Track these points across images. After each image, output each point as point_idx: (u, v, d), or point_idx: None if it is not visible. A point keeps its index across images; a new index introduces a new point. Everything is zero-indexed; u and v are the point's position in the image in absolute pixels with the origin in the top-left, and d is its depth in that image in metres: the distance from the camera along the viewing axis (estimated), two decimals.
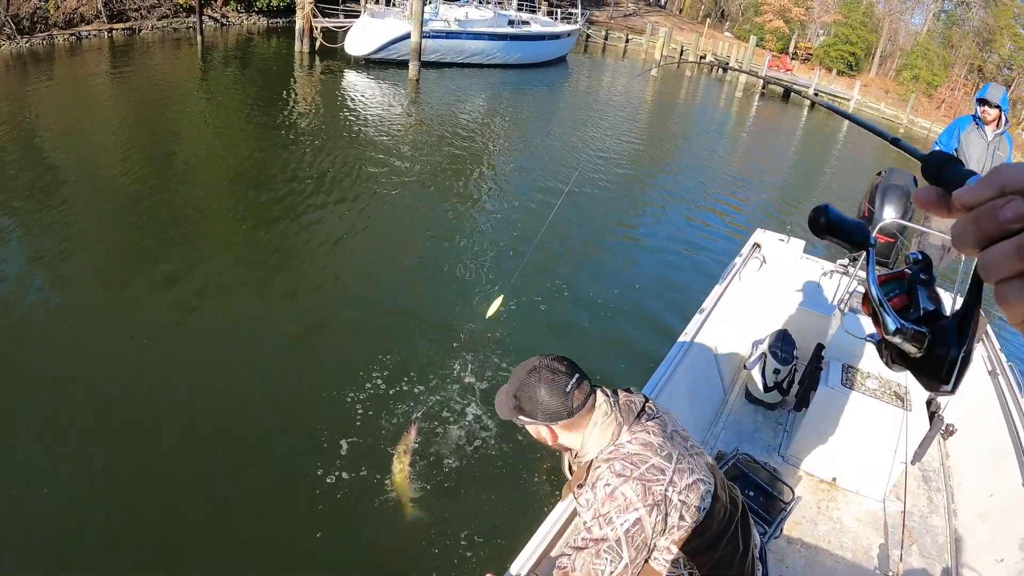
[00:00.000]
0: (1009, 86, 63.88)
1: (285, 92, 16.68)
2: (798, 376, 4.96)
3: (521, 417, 2.25)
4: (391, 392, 5.55)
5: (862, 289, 5.07)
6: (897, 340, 0.74)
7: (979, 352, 5.37)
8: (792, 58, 53.85)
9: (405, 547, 4.29)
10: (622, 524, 2.01)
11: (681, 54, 46.69)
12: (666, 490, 2.05)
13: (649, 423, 2.22)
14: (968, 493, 4.63)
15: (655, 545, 2.10)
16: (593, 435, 2.19)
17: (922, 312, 0.77)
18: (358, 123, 14.43)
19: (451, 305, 7.04)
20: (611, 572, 1.98)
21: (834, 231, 0.89)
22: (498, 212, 10.45)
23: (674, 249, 10.35)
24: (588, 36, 45.11)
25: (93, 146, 10.73)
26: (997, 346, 5.51)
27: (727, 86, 39.08)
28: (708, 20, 58.51)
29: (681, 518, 2.08)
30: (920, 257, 0.84)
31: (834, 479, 4.31)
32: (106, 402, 5.16)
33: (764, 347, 4.94)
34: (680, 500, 2.07)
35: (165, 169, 9.88)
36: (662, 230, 11.41)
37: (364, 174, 10.94)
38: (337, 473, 4.69)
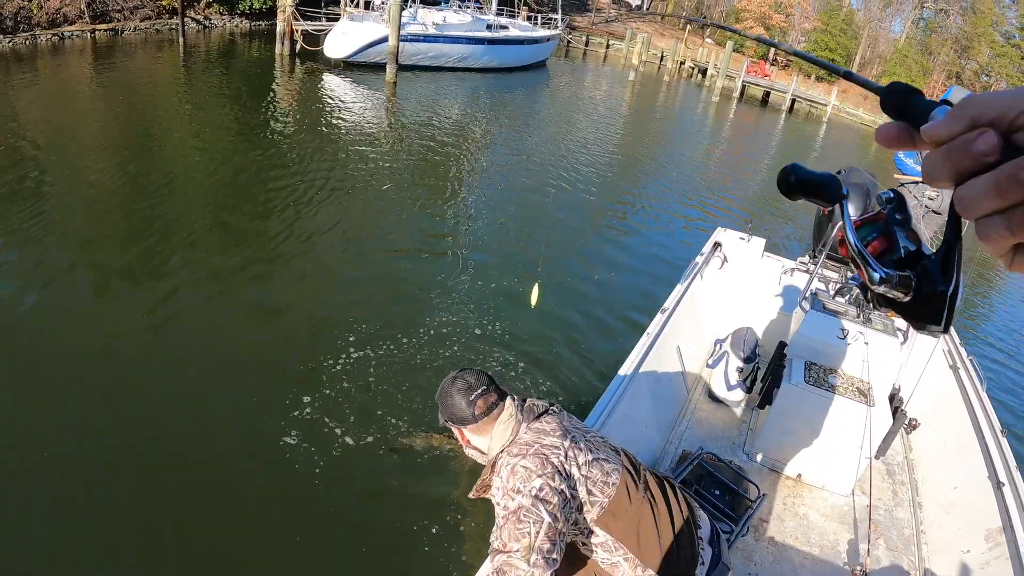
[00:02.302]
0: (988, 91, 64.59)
1: (265, 94, 16.68)
2: (760, 374, 4.97)
3: (441, 419, 2.47)
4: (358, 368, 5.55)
5: (823, 286, 5.10)
6: (883, 289, 0.71)
7: (940, 347, 5.40)
8: (772, 64, 54.19)
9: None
10: (530, 491, 2.11)
11: (661, 60, 46.96)
12: (564, 460, 2.22)
13: (545, 418, 2.41)
14: (932, 486, 4.65)
15: (576, 520, 2.20)
16: (497, 433, 2.35)
17: (903, 253, 0.75)
18: (336, 125, 14.44)
19: (420, 306, 7.02)
20: (537, 532, 2.05)
21: (805, 189, 0.86)
22: (471, 215, 10.49)
23: (640, 249, 10.44)
24: (569, 41, 45.24)
25: (73, 145, 10.65)
26: (958, 341, 5.56)
27: (705, 91, 39.27)
28: (689, 27, 58.77)
29: (590, 493, 2.21)
30: (893, 196, 0.83)
31: (799, 475, 4.32)
32: (84, 377, 5.22)
33: (726, 346, 4.94)
34: (582, 475, 2.22)
35: (145, 168, 9.83)
36: (629, 230, 11.49)
37: (340, 174, 10.93)
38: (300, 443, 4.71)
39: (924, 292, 0.68)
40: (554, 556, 2.06)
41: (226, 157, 10.95)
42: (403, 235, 8.95)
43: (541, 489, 2.12)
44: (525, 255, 8.78)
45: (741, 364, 4.82)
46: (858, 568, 3.50)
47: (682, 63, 47.11)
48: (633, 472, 2.39)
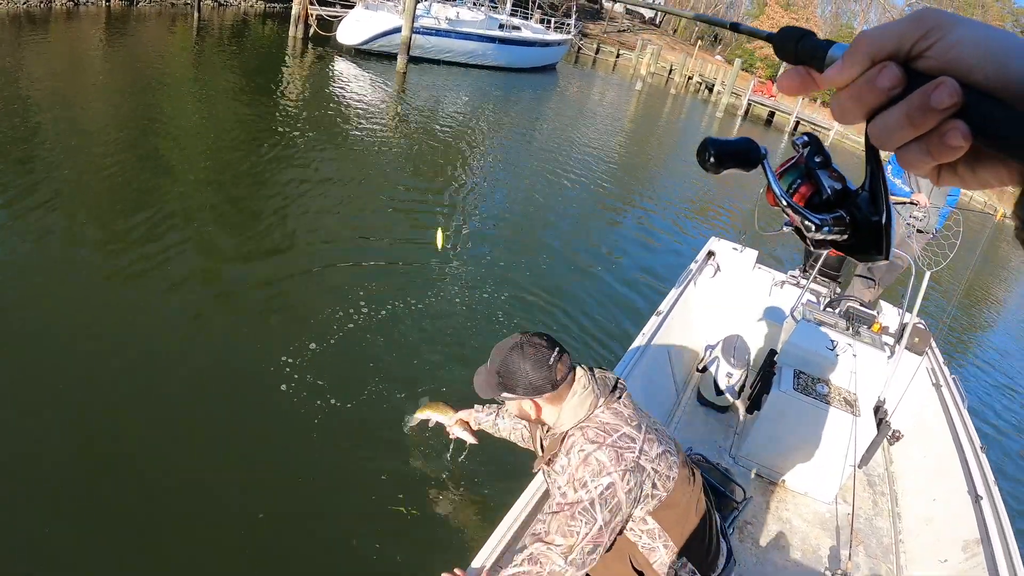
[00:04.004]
0: None
1: (275, 77, 16.68)
2: (749, 381, 5.06)
3: (504, 394, 2.31)
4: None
5: (813, 299, 5.21)
6: (821, 236, 0.73)
7: (924, 365, 5.51)
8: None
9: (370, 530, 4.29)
10: (596, 487, 2.05)
11: (669, 73, 47.10)
12: (638, 457, 2.11)
13: (623, 399, 2.33)
14: (912, 497, 4.75)
15: (630, 515, 2.15)
16: (571, 406, 2.25)
17: (830, 192, 0.76)
18: (344, 110, 14.47)
19: (417, 288, 7.04)
20: (586, 533, 2.02)
21: (725, 160, 0.87)
22: (471, 207, 10.51)
23: (635, 253, 10.52)
24: (580, 48, 45.40)
25: (78, 111, 10.61)
26: (941, 360, 5.68)
27: (710, 107, 39.44)
28: (700, 42, 59.00)
29: (654, 486, 2.14)
30: (807, 140, 0.82)
31: (784, 481, 4.41)
32: (74, 345, 5.16)
33: (717, 351, 5.03)
34: (652, 468, 2.14)
35: (151, 143, 9.79)
36: (626, 235, 11.61)
37: (345, 157, 10.98)
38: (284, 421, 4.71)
39: (860, 227, 0.70)
40: (593, 556, 2.07)
41: (233, 136, 10.94)
42: (398, 219, 8.98)
43: (608, 488, 2.06)
44: (520, 252, 8.85)
45: (731, 370, 4.91)
46: (838, 572, 3.59)
47: (690, 78, 47.28)
48: (689, 464, 2.36)
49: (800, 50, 0.60)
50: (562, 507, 2.05)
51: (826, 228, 0.72)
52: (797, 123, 41.94)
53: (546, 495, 2.88)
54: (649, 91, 36.68)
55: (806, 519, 4.28)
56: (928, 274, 4.97)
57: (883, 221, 0.68)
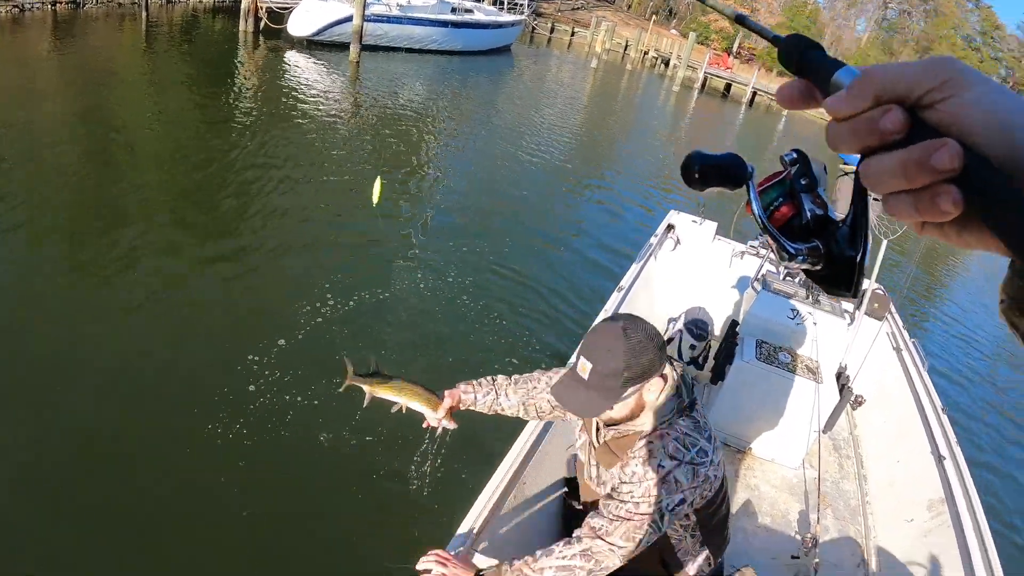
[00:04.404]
0: None
1: (228, 71, 16.44)
2: (712, 352, 5.09)
3: (629, 389, 2.04)
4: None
5: (773, 269, 5.26)
6: (795, 265, 0.72)
7: (884, 330, 5.61)
8: (735, 57, 54.69)
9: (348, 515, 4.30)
10: (668, 504, 2.02)
11: (625, 49, 47.16)
12: (708, 471, 2.07)
13: (697, 408, 2.20)
14: (876, 460, 4.84)
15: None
16: (657, 405, 2.12)
17: (810, 218, 0.75)
18: (299, 103, 14.30)
19: (370, 278, 7.02)
20: (647, 541, 2.02)
21: (711, 178, 0.84)
22: (432, 193, 10.53)
23: (596, 229, 10.64)
24: (534, 28, 45.25)
25: (30, 119, 10.39)
26: (901, 324, 5.77)
27: (667, 81, 39.57)
28: (655, 17, 59.09)
29: (708, 489, 2.13)
30: (796, 157, 0.81)
31: (751, 449, 4.45)
32: (35, 352, 5.07)
33: (680, 324, 5.06)
34: (713, 475, 2.10)
35: (103, 146, 9.59)
36: (587, 211, 11.76)
37: (302, 151, 10.82)
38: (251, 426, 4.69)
39: (834, 261, 0.69)
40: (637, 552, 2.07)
41: (187, 135, 10.76)
42: (361, 208, 8.90)
43: (680, 504, 2.03)
44: (485, 235, 8.86)
45: (694, 342, 4.95)
46: (808, 536, 3.64)
47: (646, 53, 47.41)
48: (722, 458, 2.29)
49: (805, 62, 0.57)
50: (632, 515, 2.00)
51: (800, 257, 0.72)
52: (754, 94, 42.25)
53: (525, 463, 2.91)
54: (605, 68, 36.69)
55: (774, 485, 4.34)
56: (885, 242, 5.04)
57: (858, 259, 0.67)
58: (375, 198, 4.68)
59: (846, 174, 6.26)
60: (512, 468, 2.83)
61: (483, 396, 2.43)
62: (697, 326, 4.99)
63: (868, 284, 4.94)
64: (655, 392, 2.07)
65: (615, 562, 2.01)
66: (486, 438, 4.39)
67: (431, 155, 12.81)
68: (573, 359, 2.11)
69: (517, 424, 2.89)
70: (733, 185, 0.84)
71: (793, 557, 3.63)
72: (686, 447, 2.07)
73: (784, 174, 0.81)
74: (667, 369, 2.11)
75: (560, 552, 2.02)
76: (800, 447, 4.39)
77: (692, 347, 4.94)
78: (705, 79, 41.92)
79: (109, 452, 4.38)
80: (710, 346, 5.11)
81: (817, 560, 3.37)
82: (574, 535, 2.06)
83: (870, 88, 0.48)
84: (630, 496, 2.03)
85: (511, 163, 13.40)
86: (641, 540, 2.01)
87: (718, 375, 4.55)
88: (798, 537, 3.87)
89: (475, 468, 4.39)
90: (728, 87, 43.97)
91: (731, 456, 4.44)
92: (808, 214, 0.75)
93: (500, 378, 2.51)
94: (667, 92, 35.60)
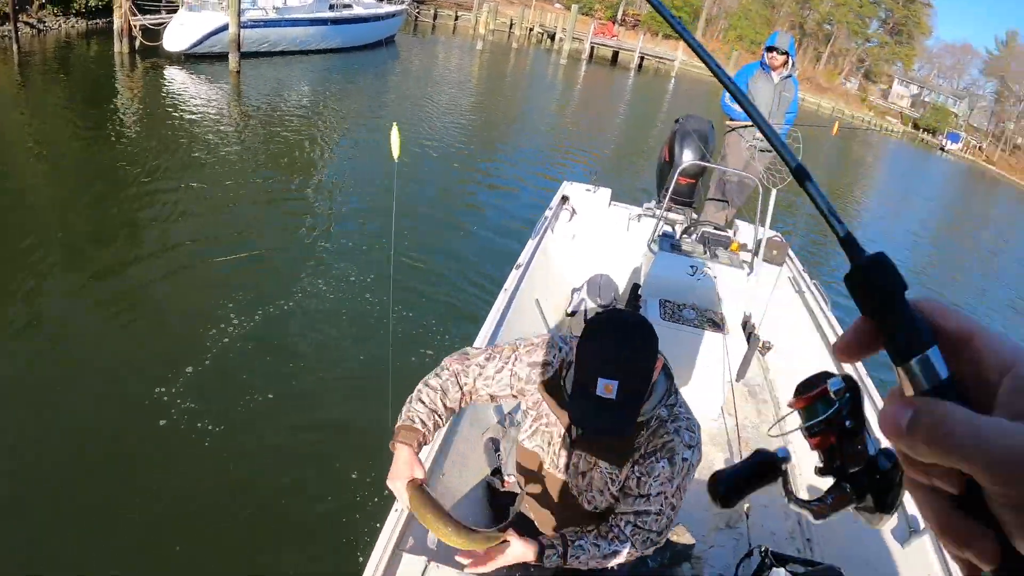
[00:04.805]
0: (830, 39, 68.44)
1: (107, 97, 15.71)
2: None
3: (647, 366, 1.91)
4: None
5: (669, 229, 5.37)
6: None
7: (785, 275, 5.80)
8: (620, 25, 55.28)
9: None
10: (685, 488, 2.06)
11: (510, 28, 47.17)
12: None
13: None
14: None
15: None
16: (658, 384, 2.05)
17: (842, 463, 0.66)
18: (182, 120, 13.82)
19: (275, 289, 6.92)
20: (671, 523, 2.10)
21: (744, 489, 0.79)
22: (327, 194, 10.43)
23: (493, 211, 10.79)
24: (417, 16, 44.80)
25: None
26: (800, 268, 5.96)
27: (554, 55, 39.82)
28: None
29: None
30: (846, 387, 0.65)
31: None
32: None
33: (583, 293, 5.11)
34: None
35: None
36: (483, 194, 11.88)
37: (190, 169, 10.42)
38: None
39: (864, 493, 0.63)
40: None
41: (70, 166, 10.27)
42: (260, 220, 8.78)
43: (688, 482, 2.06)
44: (383, 228, 8.79)
45: (599, 309, 5.03)
46: None
47: (531, 29, 47.51)
48: None
49: (885, 309, 0.44)
50: (662, 509, 2.04)
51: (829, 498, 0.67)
52: (641, 59, 42.91)
53: (441, 453, 2.91)
54: (491, 49, 36.67)
55: None
56: (774, 191, 5.21)
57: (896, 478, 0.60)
58: (395, 150, 4.24)
59: (733, 130, 6.45)
60: (428, 461, 2.81)
61: (433, 428, 2.17)
62: (600, 293, 5.05)
63: (763, 234, 5.10)
64: (657, 371, 1.99)
65: (650, 552, 2.10)
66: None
67: (326, 158, 12.62)
68: (580, 376, 1.87)
69: None
70: (772, 479, 0.78)
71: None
72: (693, 431, 2.08)
73: (834, 411, 0.65)
74: None
75: (603, 535, 2.05)
76: (716, 398, 4.49)
77: None
78: (592, 49, 42.30)
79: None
80: None
81: (748, 505, 3.48)
82: (604, 528, 2.08)
83: (952, 449, 0.37)
84: (663, 499, 2.04)
85: (406, 154, 13.26)
86: (669, 526, 2.10)
87: None
88: None
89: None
90: (615, 55, 44.53)
91: None
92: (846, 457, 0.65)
93: (430, 400, 2.18)
94: (555, 66, 35.87)
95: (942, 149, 64.61)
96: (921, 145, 64.08)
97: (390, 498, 2.52)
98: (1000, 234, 29.61)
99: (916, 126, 70.05)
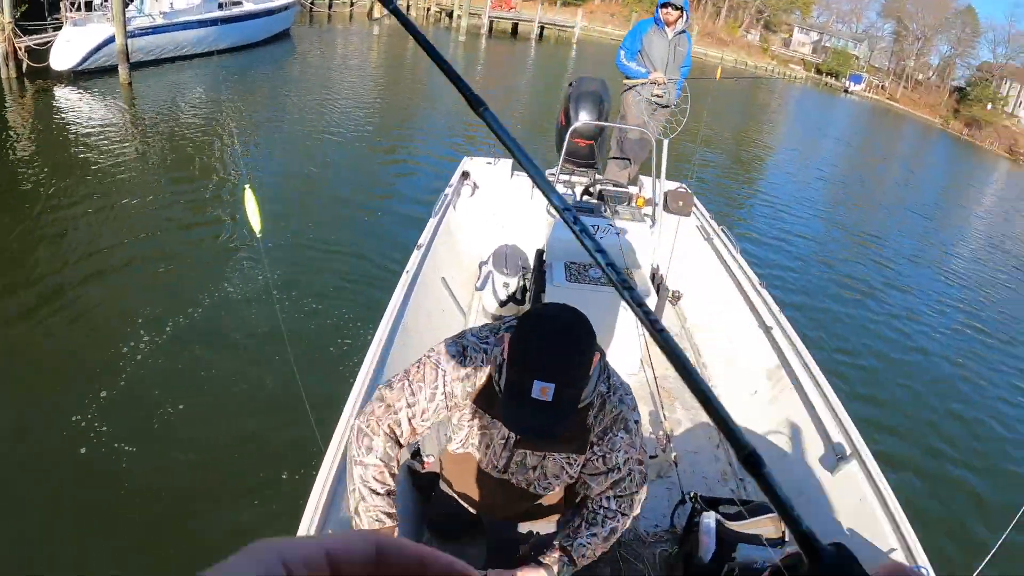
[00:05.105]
0: None
1: None
2: (528, 285, 5.16)
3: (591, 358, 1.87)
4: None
5: (569, 191, 5.38)
6: None
7: (692, 223, 5.87)
8: None
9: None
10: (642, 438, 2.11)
11: (407, 9, 46.57)
12: None
13: None
14: (712, 345, 5.08)
15: None
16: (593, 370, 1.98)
17: None
18: (77, 141, 13.25)
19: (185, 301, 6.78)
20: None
21: None
22: (233, 197, 10.11)
23: (394, 196, 10.82)
24: (312, 6, 43.88)
25: None
26: (708, 215, 6.06)
27: (453, 32, 39.56)
28: None
29: None
30: None
31: None
32: None
33: (490, 266, 5.13)
34: None
35: None
36: (383, 180, 11.80)
37: (91, 190, 10.08)
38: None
39: None
40: None
41: None
42: (164, 230, 8.57)
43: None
44: (289, 227, 8.76)
45: (507, 280, 5.03)
46: (660, 434, 3.78)
47: (428, 9, 47.03)
48: None
49: None
50: (634, 471, 2.07)
51: None
52: (542, 28, 42.88)
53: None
54: (389, 33, 36.14)
55: None
56: (666, 142, 5.26)
57: None
58: (255, 222, 3.35)
59: (630, 88, 6.47)
60: (335, 452, 2.74)
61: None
62: (507, 264, 5.06)
63: (661, 184, 5.14)
64: (594, 365, 1.91)
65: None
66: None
67: (233, 160, 12.30)
68: (514, 379, 1.76)
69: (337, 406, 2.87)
70: None
71: (651, 457, 3.76)
72: (629, 393, 2.11)
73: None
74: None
75: (594, 533, 2.07)
76: (634, 353, 4.53)
77: (506, 285, 5.01)
78: (491, 23, 42.12)
79: None
80: (525, 279, 5.16)
81: (675, 454, 3.51)
82: (591, 516, 2.11)
83: None
84: (631, 462, 2.07)
85: (312, 146, 13.20)
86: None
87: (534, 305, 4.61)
88: (653, 436, 4.01)
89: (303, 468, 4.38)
90: (515, 27, 44.40)
91: None
92: None
93: (379, 483, 2.00)
94: (455, 43, 35.67)
95: (846, 91, 66.25)
96: (826, 89, 65.60)
97: (302, 502, 2.47)
98: (906, 165, 30.64)
99: (819, 71, 71.53)
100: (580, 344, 1.78)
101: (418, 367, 2.06)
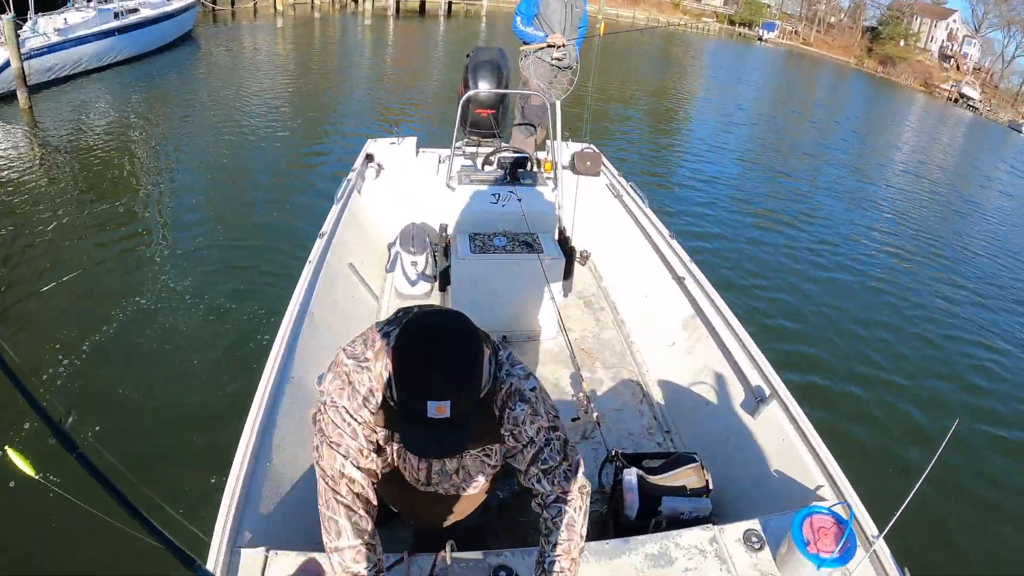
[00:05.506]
0: None
1: None
2: (438, 261, 5.11)
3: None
4: None
5: (469, 162, 5.34)
6: None
7: (602, 182, 5.88)
8: None
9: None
10: (549, 405, 2.00)
11: None
12: None
13: None
14: (627, 302, 5.11)
15: None
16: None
17: None
18: None
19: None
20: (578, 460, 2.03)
21: None
22: (155, 209, 9.96)
23: (295, 186, 10.67)
24: (214, 5, 42.79)
25: None
26: (616, 173, 6.07)
27: (359, 16, 39.03)
28: None
29: None
30: None
31: (505, 336, 4.54)
32: None
33: (397, 247, 5.09)
34: None
35: None
36: (285, 172, 11.62)
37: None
38: None
39: None
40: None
41: None
42: (80, 247, 8.38)
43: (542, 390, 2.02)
44: (201, 230, 8.71)
45: (414, 258, 5.01)
46: (581, 395, 3.78)
47: None
48: None
49: None
50: (551, 438, 1.97)
51: None
52: (449, 4, 42.48)
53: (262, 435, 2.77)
54: (294, 24, 35.56)
55: (540, 360, 4.49)
56: (559, 102, 5.25)
57: None
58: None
59: (529, 54, 6.42)
60: (248, 449, 2.66)
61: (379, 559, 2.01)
62: (413, 243, 5.04)
63: (557, 144, 5.13)
64: (485, 362, 1.76)
65: (585, 501, 2.01)
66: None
67: (150, 171, 11.99)
68: (405, 402, 1.63)
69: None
70: None
71: (573, 419, 3.75)
72: (516, 363, 2.01)
73: None
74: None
75: (558, 542, 1.96)
76: (550, 316, 4.53)
77: (414, 264, 4.98)
78: (397, 3, 41.56)
79: None
80: (433, 256, 5.13)
81: (597, 414, 3.50)
82: (542, 526, 2.01)
83: None
84: (543, 430, 1.96)
85: (224, 145, 13.03)
86: (578, 460, 2.03)
87: (444, 280, 4.56)
88: (574, 399, 4.01)
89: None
90: (423, 5, 43.90)
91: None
92: None
93: (365, 556, 1.95)
94: (362, 27, 35.28)
95: (760, 39, 67.18)
96: (740, 39, 66.42)
97: (217, 498, 2.40)
98: (823, 105, 31.20)
99: (732, 22, 72.33)
100: (465, 350, 1.64)
101: (322, 425, 1.95)
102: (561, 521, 1.95)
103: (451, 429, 1.61)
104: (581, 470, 2.03)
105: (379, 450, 2.07)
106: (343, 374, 1.90)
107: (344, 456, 1.91)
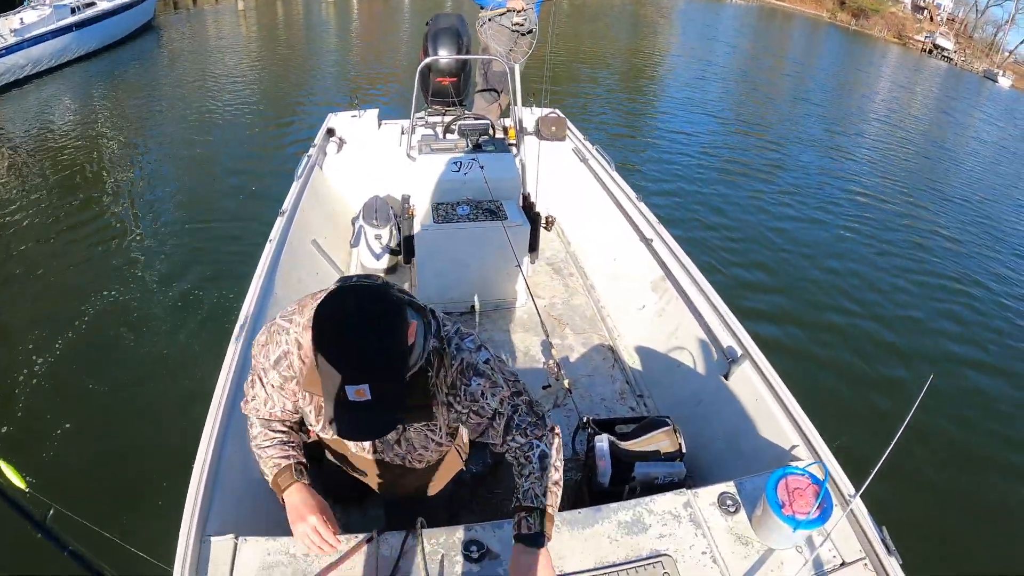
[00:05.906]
0: None
1: None
2: (403, 233, 5.04)
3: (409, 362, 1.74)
4: None
5: (431, 131, 5.23)
6: None
7: (567, 147, 5.80)
8: None
9: None
10: (508, 375, 1.97)
11: None
12: None
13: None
14: (596, 266, 5.05)
15: None
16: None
17: None
18: None
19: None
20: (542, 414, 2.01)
21: None
22: (138, 204, 9.82)
23: (261, 166, 10.61)
24: None
25: None
26: (582, 137, 5.99)
27: None
28: None
29: None
30: None
31: (475, 305, 4.46)
32: None
33: (360, 221, 4.98)
34: None
35: None
36: (259, 152, 11.59)
37: None
38: None
39: None
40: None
41: None
42: (54, 248, 8.18)
43: (499, 363, 1.99)
44: (170, 219, 8.66)
45: (378, 232, 4.90)
46: (551, 362, 3.73)
47: None
48: None
49: None
50: (518, 404, 1.95)
51: None
52: None
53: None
54: (257, 7, 35.12)
55: (510, 329, 4.43)
56: (517, 66, 5.15)
57: None
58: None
59: (488, 20, 6.32)
60: (213, 430, 2.59)
61: (300, 450, 2.10)
62: (376, 216, 4.93)
63: (518, 110, 5.04)
64: (412, 336, 1.68)
65: (556, 442, 1.98)
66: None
67: (108, 165, 11.80)
68: (326, 386, 1.55)
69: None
70: None
71: (544, 387, 3.70)
72: (464, 336, 1.93)
73: None
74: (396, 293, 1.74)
75: (540, 463, 1.93)
76: (518, 284, 4.48)
77: (378, 237, 4.89)
78: None
79: None
80: (398, 228, 5.03)
81: (568, 380, 3.45)
82: (516, 467, 1.98)
83: None
84: (507, 401, 1.94)
85: (191, 131, 12.92)
86: (543, 413, 2.00)
87: (409, 252, 4.48)
88: (544, 368, 3.96)
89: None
90: None
91: (462, 320, 4.43)
92: None
93: (273, 439, 2.07)
94: (326, 4, 34.92)
95: None
96: None
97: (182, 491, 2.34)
98: (796, 59, 31.12)
99: None
100: (381, 331, 1.53)
101: (251, 375, 2.03)
102: (534, 454, 1.93)
103: (373, 412, 1.55)
104: (550, 420, 2.02)
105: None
106: (269, 330, 1.92)
107: (264, 407, 2.02)
